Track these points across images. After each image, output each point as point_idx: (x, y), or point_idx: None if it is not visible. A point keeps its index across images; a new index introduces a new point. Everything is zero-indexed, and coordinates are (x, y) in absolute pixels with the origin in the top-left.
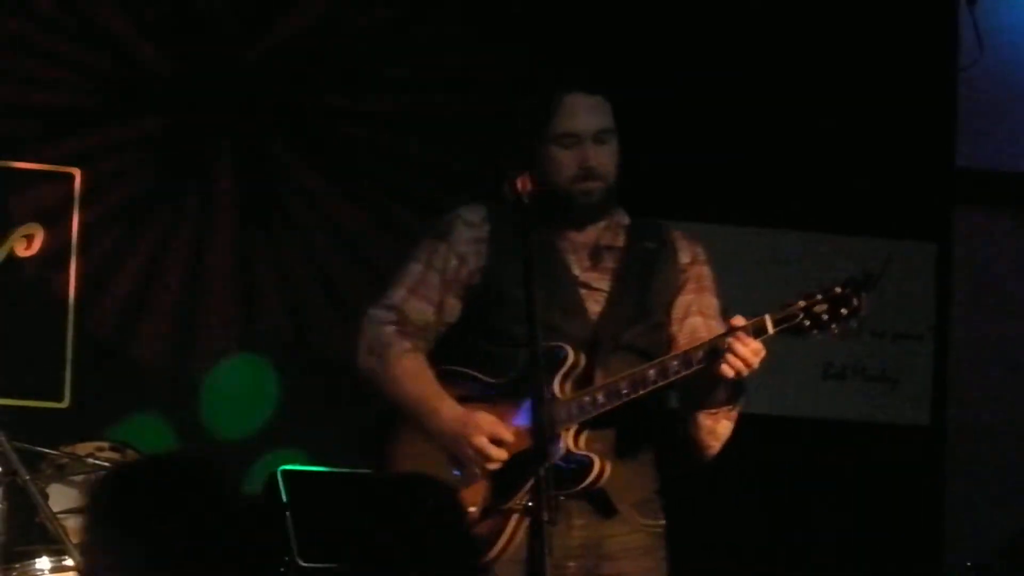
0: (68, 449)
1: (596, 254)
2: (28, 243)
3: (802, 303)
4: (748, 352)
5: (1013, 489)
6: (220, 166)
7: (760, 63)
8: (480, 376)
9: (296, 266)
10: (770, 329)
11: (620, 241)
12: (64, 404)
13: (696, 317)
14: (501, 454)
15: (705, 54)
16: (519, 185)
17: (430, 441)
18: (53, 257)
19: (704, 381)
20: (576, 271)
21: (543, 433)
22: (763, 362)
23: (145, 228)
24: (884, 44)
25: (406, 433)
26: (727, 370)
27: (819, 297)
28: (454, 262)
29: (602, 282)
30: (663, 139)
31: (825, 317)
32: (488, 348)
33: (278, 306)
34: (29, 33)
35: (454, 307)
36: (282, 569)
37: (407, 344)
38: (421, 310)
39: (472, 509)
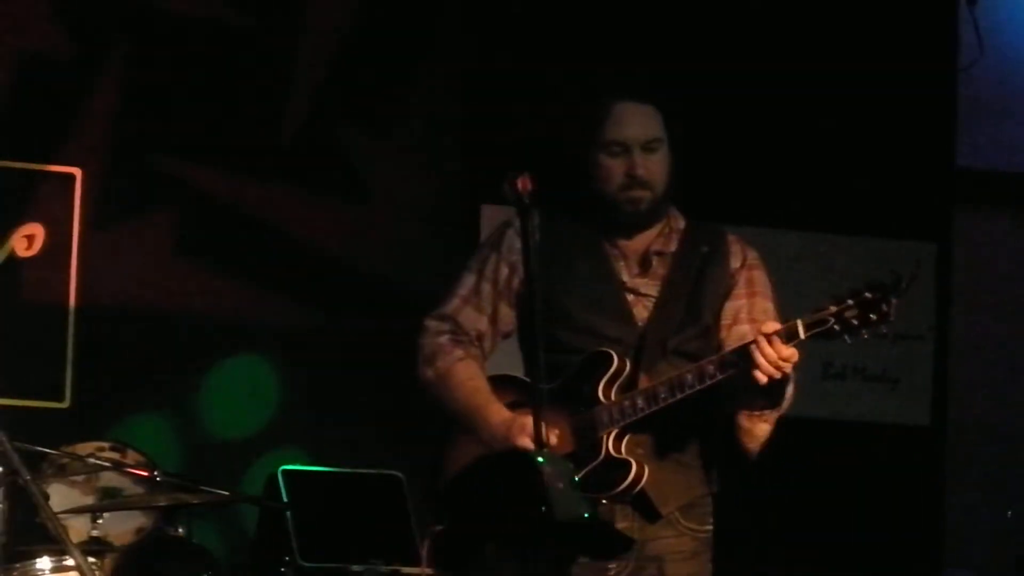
0: (68, 449)
1: (646, 260)
2: (28, 243)
3: (833, 308)
4: (778, 358)
5: (1013, 489)
6: (220, 166)
7: (760, 63)
8: (530, 382)
9: (297, 265)
10: (802, 334)
11: (672, 246)
12: (64, 404)
13: (745, 324)
14: None
15: (705, 54)
16: (519, 185)
17: (483, 446)
18: (53, 257)
19: (744, 385)
20: (624, 277)
21: (541, 433)
22: (797, 366)
23: (145, 228)
24: (884, 44)
25: (462, 439)
26: (758, 375)
27: (850, 303)
28: (505, 271)
29: (651, 288)
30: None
31: (855, 323)
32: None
33: (279, 307)
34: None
35: (508, 316)
36: (282, 569)
37: (459, 352)
38: (474, 319)
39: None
